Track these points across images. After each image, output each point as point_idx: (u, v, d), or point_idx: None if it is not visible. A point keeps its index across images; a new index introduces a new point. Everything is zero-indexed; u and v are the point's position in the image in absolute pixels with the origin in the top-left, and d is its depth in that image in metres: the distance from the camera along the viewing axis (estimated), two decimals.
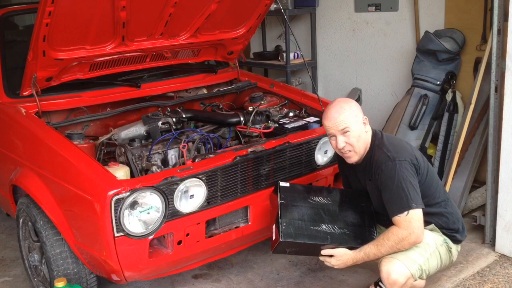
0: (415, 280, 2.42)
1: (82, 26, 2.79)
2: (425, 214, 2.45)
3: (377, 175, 2.46)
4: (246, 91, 3.74)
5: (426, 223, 2.52)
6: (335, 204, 2.67)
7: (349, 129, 2.46)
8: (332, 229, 2.55)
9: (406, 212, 2.36)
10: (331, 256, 2.53)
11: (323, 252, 2.53)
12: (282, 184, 2.68)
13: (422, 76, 4.16)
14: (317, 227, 2.54)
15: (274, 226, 2.58)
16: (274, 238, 2.55)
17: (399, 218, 2.38)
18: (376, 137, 2.56)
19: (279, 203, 2.58)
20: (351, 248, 2.51)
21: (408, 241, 2.38)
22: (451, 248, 2.59)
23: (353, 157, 2.54)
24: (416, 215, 2.37)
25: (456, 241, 2.62)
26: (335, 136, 2.50)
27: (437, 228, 2.58)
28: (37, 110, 2.97)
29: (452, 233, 2.61)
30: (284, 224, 2.50)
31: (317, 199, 2.66)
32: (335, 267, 2.53)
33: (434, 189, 2.56)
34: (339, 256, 2.50)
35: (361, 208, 2.66)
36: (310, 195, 2.68)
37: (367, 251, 2.45)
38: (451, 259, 2.62)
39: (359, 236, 2.55)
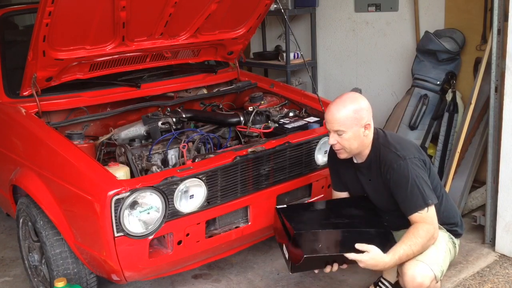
0: (437, 282, 2.39)
1: (82, 26, 2.80)
2: None
3: (389, 175, 2.42)
4: (246, 91, 3.74)
5: None
6: (347, 216, 2.58)
7: (343, 132, 2.42)
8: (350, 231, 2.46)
9: (426, 209, 2.34)
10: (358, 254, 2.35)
11: (358, 246, 2.29)
12: (279, 206, 2.62)
13: (422, 76, 4.16)
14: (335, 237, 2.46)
15: (284, 246, 2.47)
16: (287, 257, 2.42)
17: (420, 215, 2.34)
18: (379, 136, 2.52)
19: (291, 227, 2.42)
20: None
21: (434, 237, 2.36)
22: (455, 244, 2.59)
23: (343, 155, 2.51)
24: (433, 211, 2.36)
25: (457, 235, 2.62)
26: (330, 131, 2.48)
27: (439, 225, 2.57)
28: (37, 110, 2.97)
29: (452, 228, 2.60)
30: (302, 240, 2.36)
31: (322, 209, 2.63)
32: (363, 264, 2.26)
33: (435, 184, 2.55)
34: (374, 255, 2.25)
35: (372, 212, 2.60)
36: (316, 211, 2.65)
37: (401, 253, 2.28)
38: (455, 254, 2.62)
39: (381, 240, 2.41)
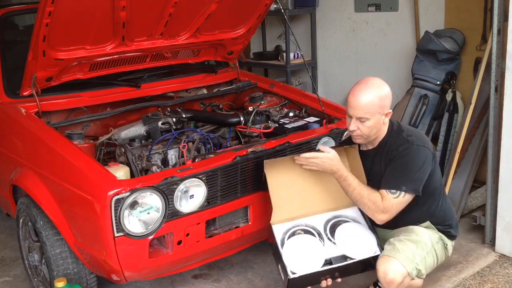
0: (412, 278, 2.41)
1: (82, 26, 2.80)
2: (425, 208, 2.46)
3: (391, 155, 2.44)
4: (246, 91, 3.74)
5: (423, 219, 2.53)
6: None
7: (367, 120, 2.40)
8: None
9: (397, 193, 2.36)
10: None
11: (321, 147, 2.54)
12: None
13: (422, 76, 4.16)
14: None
15: (279, 266, 2.53)
16: (284, 277, 2.47)
17: (386, 195, 2.38)
18: (393, 124, 2.54)
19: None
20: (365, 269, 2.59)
21: (377, 216, 2.41)
22: (446, 245, 2.58)
23: (359, 140, 2.53)
24: (403, 199, 2.37)
25: (450, 236, 2.62)
26: (351, 117, 2.46)
27: (432, 225, 2.57)
28: (37, 110, 2.97)
29: (447, 229, 2.60)
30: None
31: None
32: (319, 161, 2.50)
33: (439, 183, 2.56)
34: (332, 156, 2.48)
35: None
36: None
37: (350, 178, 2.46)
38: (447, 255, 2.62)
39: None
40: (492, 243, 3.34)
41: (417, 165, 2.38)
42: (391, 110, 2.46)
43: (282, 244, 2.55)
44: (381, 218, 2.41)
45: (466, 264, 3.19)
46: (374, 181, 2.56)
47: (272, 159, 2.62)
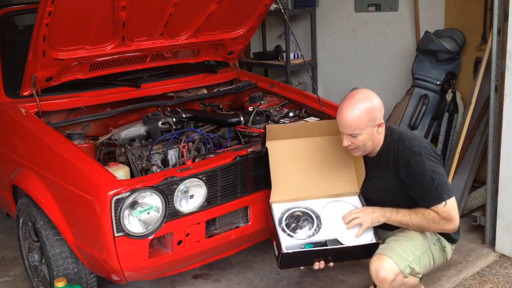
0: (405, 276, 2.40)
1: (82, 26, 2.80)
2: None
3: (405, 171, 2.43)
4: (246, 91, 3.74)
5: None
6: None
7: (358, 135, 2.40)
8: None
9: (444, 203, 2.36)
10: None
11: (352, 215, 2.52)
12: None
13: (422, 76, 4.16)
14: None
15: (274, 243, 2.54)
16: (277, 253, 2.51)
17: (437, 209, 2.37)
18: (393, 132, 2.52)
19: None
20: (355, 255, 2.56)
21: (446, 227, 2.40)
22: (445, 247, 2.57)
23: (357, 153, 2.52)
24: (452, 204, 2.38)
25: (451, 240, 2.60)
26: (342, 133, 2.47)
27: None
28: (37, 110, 2.97)
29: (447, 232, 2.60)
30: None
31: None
32: (359, 219, 2.49)
33: None
34: (366, 212, 2.49)
35: None
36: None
37: (400, 214, 2.43)
38: (445, 258, 2.60)
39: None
40: (492, 243, 3.34)
41: (438, 172, 2.40)
42: (383, 121, 2.45)
43: (280, 223, 2.57)
44: (450, 227, 2.41)
45: (466, 264, 3.20)
46: (375, 184, 2.59)
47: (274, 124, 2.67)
